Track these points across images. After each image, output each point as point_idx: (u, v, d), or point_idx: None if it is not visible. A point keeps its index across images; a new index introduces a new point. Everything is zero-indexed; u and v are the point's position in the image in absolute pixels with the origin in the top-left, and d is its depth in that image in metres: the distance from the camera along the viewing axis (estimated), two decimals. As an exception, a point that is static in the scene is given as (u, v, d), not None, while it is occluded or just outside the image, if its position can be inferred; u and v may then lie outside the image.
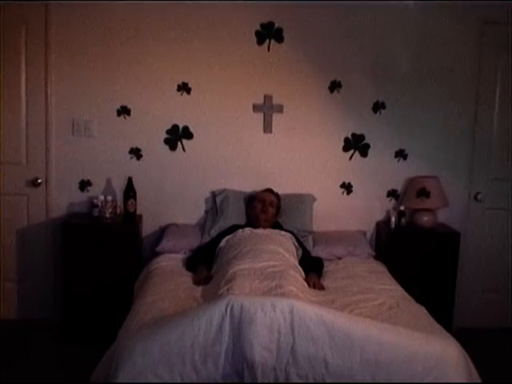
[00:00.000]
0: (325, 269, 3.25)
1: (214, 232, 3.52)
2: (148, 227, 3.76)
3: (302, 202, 3.71)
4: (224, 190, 3.71)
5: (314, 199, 3.77)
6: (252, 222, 3.49)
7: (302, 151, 3.79)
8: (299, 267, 3.03)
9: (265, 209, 3.45)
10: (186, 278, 2.97)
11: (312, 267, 3.12)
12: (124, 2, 3.54)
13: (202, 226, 3.69)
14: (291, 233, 3.44)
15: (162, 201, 3.77)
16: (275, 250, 3.02)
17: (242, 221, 3.57)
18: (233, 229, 3.40)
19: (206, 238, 3.51)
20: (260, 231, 3.32)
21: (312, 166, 3.80)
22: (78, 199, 3.72)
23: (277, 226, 3.49)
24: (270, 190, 3.62)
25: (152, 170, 3.74)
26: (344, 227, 3.83)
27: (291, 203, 3.68)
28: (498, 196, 3.86)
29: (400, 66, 3.74)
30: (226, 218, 3.57)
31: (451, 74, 3.74)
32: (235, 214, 3.59)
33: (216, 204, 3.68)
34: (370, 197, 3.86)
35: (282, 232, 3.38)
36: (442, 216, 3.81)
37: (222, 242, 3.27)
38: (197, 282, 2.88)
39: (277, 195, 3.61)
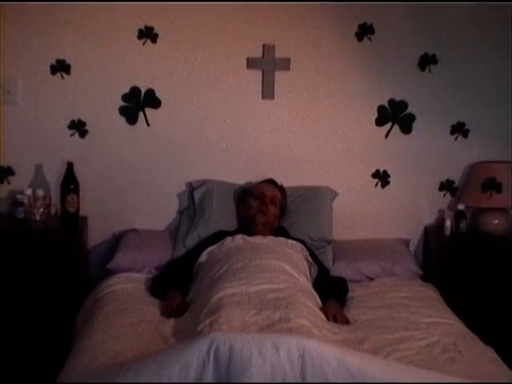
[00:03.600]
0: (350, 294, 3.27)
1: (191, 241, 3.53)
2: (96, 234, 3.78)
3: (318, 198, 3.73)
4: (205, 182, 3.72)
5: (335, 194, 3.78)
6: (246, 226, 3.51)
7: (317, 125, 3.80)
8: (313, 292, 3.04)
9: (264, 208, 3.46)
10: (151, 307, 2.97)
11: (332, 292, 3.13)
12: None
13: (173, 232, 3.72)
14: (302, 242, 3.45)
15: (117, 197, 3.78)
16: (279, 268, 3.01)
17: (232, 225, 3.59)
18: (218, 236, 3.40)
19: (180, 250, 3.52)
20: (257, 240, 3.33)
21: (331, 146, 3.82)
22: (-5, 194, 3.74)
23: (281, 232, 3.51)
24: (271, 182, 3.64)
25: (102, 152, 3.75)
26: (378, 234, 3.86)
27: (302, 200, 3.70)
28: None
29: (458, 3, 3.73)
30: (208, 220, 3.59)
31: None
32: (221, 215, 3.62)
33: (194, 201, 3.70)
34: (414, 191, 3.88)
35: (289, 241, 3.39)
36: (519, 218, 3.83)
37: (203, 256, 3.28)
38: (167, 313, 2.88)
39: (281, 188, 3.63)
